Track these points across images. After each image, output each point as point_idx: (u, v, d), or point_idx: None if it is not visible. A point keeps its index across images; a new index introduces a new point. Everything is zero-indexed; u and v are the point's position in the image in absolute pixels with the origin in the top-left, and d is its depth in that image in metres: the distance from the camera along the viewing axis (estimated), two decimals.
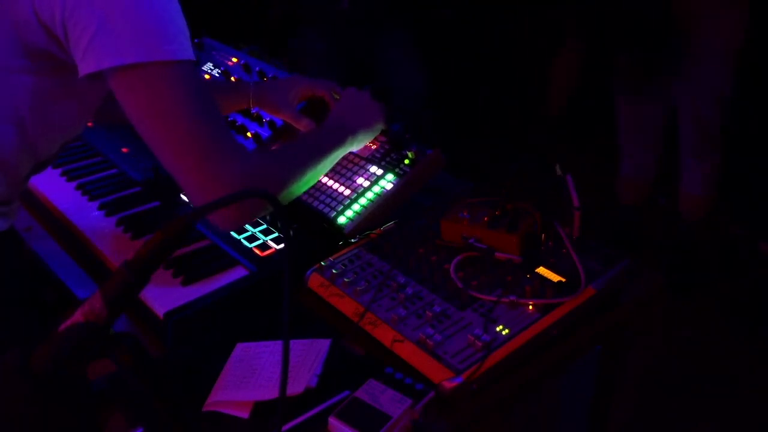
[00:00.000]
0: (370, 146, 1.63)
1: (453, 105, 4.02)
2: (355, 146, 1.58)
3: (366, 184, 1.55)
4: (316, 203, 1.55)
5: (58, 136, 1.40)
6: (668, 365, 2.73)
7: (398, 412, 1.08)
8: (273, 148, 1.71)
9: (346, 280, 1.36)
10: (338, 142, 1.51)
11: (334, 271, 1.38)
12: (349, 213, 1.51)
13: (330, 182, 1.58)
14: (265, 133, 1.75)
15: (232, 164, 1.21)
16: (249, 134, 1.76)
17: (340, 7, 3.12)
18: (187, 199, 1.32)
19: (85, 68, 1.18)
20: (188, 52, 1.20)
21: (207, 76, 1.97)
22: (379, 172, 1.56)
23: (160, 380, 1.07)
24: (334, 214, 1.51)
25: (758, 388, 2.62)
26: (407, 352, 1.21)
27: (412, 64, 3.32)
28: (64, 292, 1.45)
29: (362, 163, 1.60)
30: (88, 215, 1.60)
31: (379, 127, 1.62)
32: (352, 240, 1.48)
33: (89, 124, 1.47)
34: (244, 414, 1.14)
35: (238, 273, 1.40)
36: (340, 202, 1.53)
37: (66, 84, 1.28)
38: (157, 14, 1.17)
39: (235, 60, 1.98)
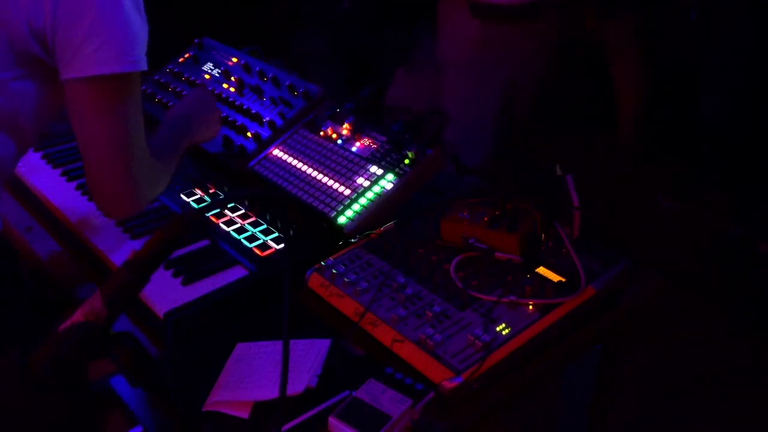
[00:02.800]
0: (371, 146, 1.63)
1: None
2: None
3: (366, 184, 1.55)
4: (316, 203, 1.55)
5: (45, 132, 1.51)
6: (668, 365, 2.73)
7: (398, 412, 1.08)
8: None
9: (346, 280, 1.36)
10: (186, 145, 1.60)
11: (334, 271, 1.38)
12: (349, 213, 1.51)
13: (330, 182, 1.58)
14: (265, 133, 1.75)
15: (149, 170, 1.37)
16: (249, 134, 1.76)
17: (341, 7, 3.12)
18: (93, 192, 1.40)
19: (70, 73, 1.27)
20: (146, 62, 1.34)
21: (207, 76, 1.97)
22: (379, 172, 1.56)
23: (160, 380, 1.08)
24: (334, 214, 1.51)
25: (758, 388, 2.62)
26: (407, 352, 1.21)
27: (412, 63, 3.31)
28: (65, 292, 1.45)
29: (362, 163, 1.60)
30: (88, 215, 1.59)
31: (215, 133, 1.71)
32: (352, 240, 1.48)
33: None
34: (244, 414, 1.14)
35: (238, 273, 1.40)
36: (340, 202, 1.53)
37: (57, 90, 1.34)
38: (133, 25, 1.28)
39: (235, 60, 1.98)
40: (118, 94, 1.29)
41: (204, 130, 1.67)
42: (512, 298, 1.28)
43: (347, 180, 1.57)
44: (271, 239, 1.48)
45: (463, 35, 2.71)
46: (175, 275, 1.39)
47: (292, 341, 1.17)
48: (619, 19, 3.31)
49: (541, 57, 2.76)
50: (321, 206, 1.54)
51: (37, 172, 1.77)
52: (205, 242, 1.49)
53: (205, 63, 2.02)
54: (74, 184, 1.71)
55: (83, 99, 1.29)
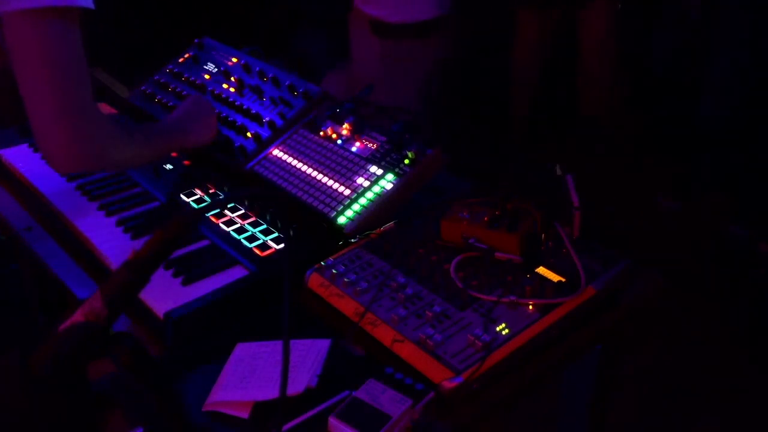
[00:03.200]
0: (371, 146, 1.63)
1: (453, 104, 4.01)
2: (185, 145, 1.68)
3: (366, 184, 1.55)
4: (316, 203, 1.55)
5: None
6: (668, 365, 2.73)
7: (398, 412, 1.08)
8: (128, 123, 1.71)
9: (346, 280, 1.36)
10: (175, 144, 1.62)
11: (334, 271, 1.38)
12: (349, 213, 1.51)
13: (330, 182, 1.58)
14: (265, 133, 1.75)
15: (97, 121, 1.32)
16: (249, 134, 1.76)
17: (341, 7, 3.12)
18: (37, 142, 1.36)
19: (4, 6, 1.22)
20: None
21: (207, 76, 1.97)
22: (379, 172, 1.56)
23: (160, 380, 1.08)
24: (334, 214, 1.51)
25: (758, 388, 2.62)
26: (407, 352, 1.21)
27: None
28: (64, 292, 1.45)
29: (362, 163, 1.60)
30: (88, 215, 1.60)
31: (208, 137, 1.70)
32: (352, 240, 1.48)
33: None
34: (244, 414, 1.14)
35: (238, 273, 1.40)
36: (340, 202, 1.53)
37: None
38: None
39: (235, 60, 1.98)
40: (55, 29, 1.25)
41: (195, 130, 1.66)
42: (512, 298, 1.28)
43: (347, 180, 1.57)
44: (271, 239, 1.48)
45: (368, 51, 2.80)
46: (175, 275, 1.39)
47: (292, 341, 1.17)
48: (589, 20, 3.35)
49: (441, 70, 2.86)
50: (321, 206, 1.54)
51: (37, 172, 1.77)
52: (205, 242, 1.49)
53: (205, 63, 2.02)
54: (74, 184, 1.71)
55: (18, 35, 1.25)
